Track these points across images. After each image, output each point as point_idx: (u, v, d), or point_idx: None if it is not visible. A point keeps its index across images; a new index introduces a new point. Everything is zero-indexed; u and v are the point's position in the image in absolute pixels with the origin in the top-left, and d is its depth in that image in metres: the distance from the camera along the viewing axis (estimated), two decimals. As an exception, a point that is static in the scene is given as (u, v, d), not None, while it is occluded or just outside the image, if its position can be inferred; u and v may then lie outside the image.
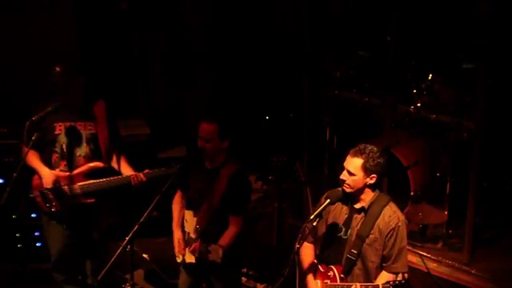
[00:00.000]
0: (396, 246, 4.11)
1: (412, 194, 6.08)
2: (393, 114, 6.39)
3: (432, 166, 6.35)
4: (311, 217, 4.12)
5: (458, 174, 5.89)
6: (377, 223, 4.12)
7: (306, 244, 4.42)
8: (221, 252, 4.41)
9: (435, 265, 5.72)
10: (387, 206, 4.15)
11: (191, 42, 7.84)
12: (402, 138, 6.31)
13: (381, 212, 4.13)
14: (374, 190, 4.18)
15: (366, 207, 4.17)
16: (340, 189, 4.22)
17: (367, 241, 4.14)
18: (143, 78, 7.80)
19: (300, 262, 4.40)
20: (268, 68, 7.87)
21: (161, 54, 7.83)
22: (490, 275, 5.53)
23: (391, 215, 4.12)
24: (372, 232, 4.13)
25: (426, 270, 5.62)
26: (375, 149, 4.09)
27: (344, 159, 4.16)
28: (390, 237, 4.10)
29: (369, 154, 4.05)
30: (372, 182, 4.10)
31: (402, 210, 5.83)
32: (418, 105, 6.17)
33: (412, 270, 5.58)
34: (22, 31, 6.83)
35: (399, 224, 4.11)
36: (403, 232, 4.13)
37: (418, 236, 6.00)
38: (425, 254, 5.78)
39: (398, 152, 6.11)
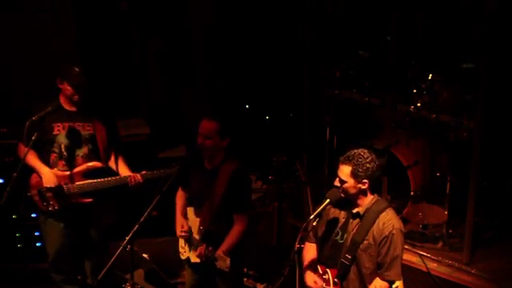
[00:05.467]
0: (389, 254, 4.08)
1: (412, 193, 6.09)
2: (393, 113, 6.39)
3: (432, 166, 6.35)
4: (311, 217, 4.12)
5: (458, 174, 5.89)
6: (371, 229, 4.10)
7: (308, 244, 4.43)
8: (228, 261, 4.40)
9: (435, 265, 5.71)
10: (383, 213, 4.12)
11: (191, 42, 7.84)
12: (402, 137, 6.31)
13: (376, 218, 4.10)
14: (370, 194, 4.15)
15: (362, 213, 4.15)
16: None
17: (361, 247, 4.12)
18: (143, 77, 7.80)
19: (301, 262, 4.40)
20: (268, 68, 7.87)
21: (161, 53, 7.83)
22: (490, 275, 5.53)
23: (385, 222, 4.09)
24: (366, 238, 4.11)
25: (426, 270, 5.62)
26: (365, 154, 4.06)
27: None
28: (384, 244, 4.08)
29: (357, 161, 4.03)
30: (364, 187, 4.08)
31: (401, 210, 5.91)
32: (418, 105, 6.17)
33: (412, 270, 5.60)
34: (22, 31, 6.83)
35: (393, 232, 4.07)
36: (397, 240, 4.08)
37: (418, 236, 6.00)
38: (425, 253, 5.78)
39: (398, 152, 6.12)
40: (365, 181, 4.06)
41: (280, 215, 6.12)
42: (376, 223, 4.10)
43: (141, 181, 4.97)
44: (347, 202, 4.19)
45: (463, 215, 5.65)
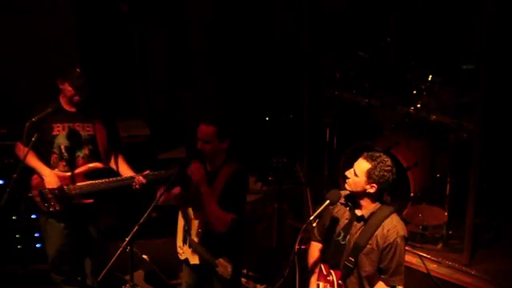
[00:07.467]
0: (394, 260, 4.07)
1: (412, 194, 6.09)
2: (393, 114, 6.39)
3: (432, 167, 6.35)
4: (311, 218, 4.12)
5: (458, 175, 5.89)
6: (375, 234, 4.08)
7: (313, 243, 4.43)
8: (230, 269, 4.37)
9: (435, 266, 5.71)
10: (388, 218, 4.10)
11: (191, 43, 7.85)
12: (402, 138, 6.31)
13: (381, 223, 4.08)
14: (374, 201, 4.12)
15: (366, 217, 4.13)
16: (341, 191, 4.22)
17: (364, 251, 4.11)
18: (143, 78, 7.81)
19: (307, 262, 4.41)
20: (268, 69, 7.87)
21: (161, 55, 7.83)
22: (490, 276, 5.52)
23: (390, 229, 4.07)
24: (370, 242, 4.09)
25: (426, 271, 5.62)
26: (388, 162, 4.04)
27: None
28: (388, 251, 4.06)
29: (378, 164, 4.01)
30: (371, 191, 4.05)
31: (401, 211, 5.91)
32: (418, 106, 6.17)
33: (412, 271, 5.59)
34: (22, 32, 6.83)
35: (397, 239, 4.06)
36: (401, 247, 4.08)
37: (418, 237, 6.00)
38: (425, 254, 5.77)
39: (397, 153, 6.11)
40: (374, 185, 4.04)
41: (280, 216, 6.10)
42: (380, 228, 4.08)
43: (144, 182, 4.95)
44: (352, 200, 4.18)
45: (463, 216, 5.65)
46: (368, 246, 4.10)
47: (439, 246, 5.96)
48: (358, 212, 4.16)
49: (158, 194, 4.41)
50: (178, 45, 7.82)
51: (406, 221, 5.91)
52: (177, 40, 7.81)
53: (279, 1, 7.80)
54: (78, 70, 4.89)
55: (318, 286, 4.32)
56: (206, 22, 7.81)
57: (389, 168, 4.03)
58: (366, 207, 4.14)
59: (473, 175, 5.51)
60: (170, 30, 7.78)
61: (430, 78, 6.17)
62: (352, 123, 6.85)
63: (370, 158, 4.04)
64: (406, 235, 4.14)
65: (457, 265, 5.66)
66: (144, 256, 5.87)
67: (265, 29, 7.83)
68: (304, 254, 4.45)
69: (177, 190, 4.73)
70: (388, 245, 4.06)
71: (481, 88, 5.38)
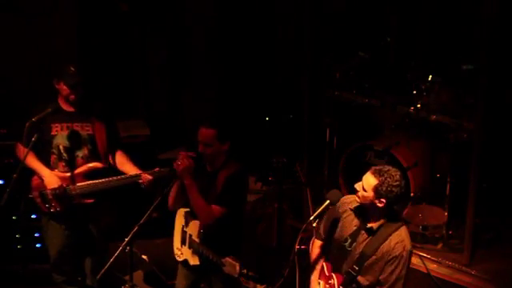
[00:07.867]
0: (395, 273, 4.05)
1: (412, 194, 6.08)
2: (393, 114, 6.39)
3: (432, 167, 6.35)
4: (311, 218, 4.12)
5: (458, 175, 5.89)
6: (382, 246, 4.06)
7: (316, 240, 4.42)
8: (238, 267, 4.34)
9: (435, 266, 5.71)
10: (397, 232, 4.07)
11: (191, 44, 7.85)
12: (402, 139, 6.31)
13: (388, 236, 4.06)
14: (383, 214, 4.09)
15: (375, 228, 4.11)
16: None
17: (369, 260, 4.09)
18: (143, 78, 7.81)
19: (308, 258, 4.41)
20: (268, 69, 7.87)
21: (161, 55, 7.83)
22: (490, 276, 5.53)
23: (398, 242, 4.05)
24: (375, 254, 4.08)
25: (426, 271, 5.62)
26: (396, 176, 3.99)
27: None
28: (392, 264, 4.05)
29: (385, 179, 3.96)
30: (380, 205, 4.02)
31: (402, 212, 5.90)
32: (418, 106, 6.17)
33: (412, 272, 5.58)
34: (22, 32, 6.83)
35: (403, 254, 4.04)
36: (406, 262, 4.06)
37: (418, 237, 6.00)
38: (425, 254, 5.77)
39: (397, 153, 6.11)
40: (382, 200, 4.01)
41: (280, 216, 6.11)
42: (388, 241, 4.06)
43: (150, 178, 4.92)
44: (362, 211, 4.16)
45: (463, 216, 5.65)
46: (373, 256, 4.08)
47: (439, 246, 5.96)
48: (368, 223, 4.13)
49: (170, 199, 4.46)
50: (178, 45, 7.82)
51: (406, 221, 5.92)
52: (177, 40, 7.81)
53: (280, 1, 7.80)
54: (72, 68, 4.88)
55: (319, 284, 4.32)
56: (206, 22, 7.81)
57: (397, 183, 3.98)
58: (376, 219, 4.11)
59: (473, 175, 5.51)
60: (170, 30, 7.78)
61: (430, 78, 6.16)
62: (352, 123, 6.85)
63: (377, 174, 3.99)
64: (412, 250, 4.13)
65: (457, 265, 5.66)
66: (143, 256, 5.87)
67: (265, 29, 7.83)
68: (304, 254, 4.45)
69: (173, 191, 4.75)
70: (393, 258, 4.04)
71: (481, 88, 5.39)
